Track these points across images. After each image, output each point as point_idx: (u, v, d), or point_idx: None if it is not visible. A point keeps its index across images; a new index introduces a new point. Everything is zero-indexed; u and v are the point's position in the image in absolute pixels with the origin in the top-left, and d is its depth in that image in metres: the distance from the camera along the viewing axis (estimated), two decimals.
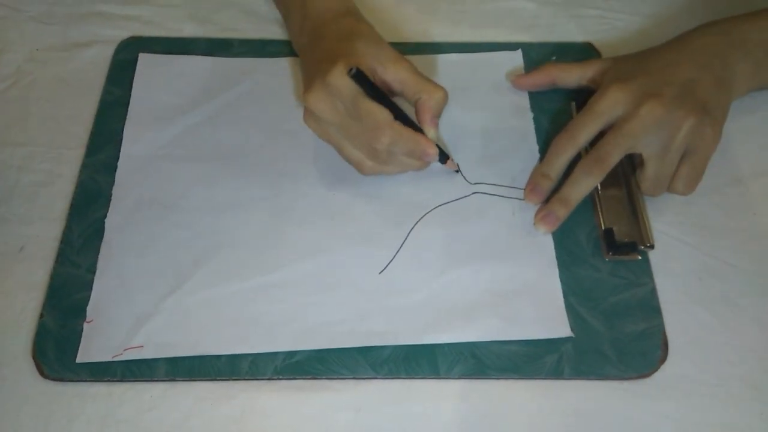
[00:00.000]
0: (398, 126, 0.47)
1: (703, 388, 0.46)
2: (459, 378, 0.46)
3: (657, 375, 0.46)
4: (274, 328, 0.47)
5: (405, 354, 0.46)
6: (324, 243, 0.50)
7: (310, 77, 0.49)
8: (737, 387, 0.46)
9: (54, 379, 0.45)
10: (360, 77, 0.46)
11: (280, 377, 0.46)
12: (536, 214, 0.51)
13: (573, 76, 0.57)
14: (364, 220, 0.51)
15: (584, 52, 0.61)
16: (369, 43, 0.50)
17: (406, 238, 0.51)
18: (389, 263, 0.49)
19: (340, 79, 0.46)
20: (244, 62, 0.60)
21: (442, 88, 0.49)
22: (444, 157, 0.52)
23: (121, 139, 0.55)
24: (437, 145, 0.49)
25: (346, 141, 0.49)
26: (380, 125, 0.47)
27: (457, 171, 0.53)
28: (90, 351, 0.46)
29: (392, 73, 0.49)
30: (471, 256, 0.50)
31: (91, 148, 0.55)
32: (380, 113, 0.47)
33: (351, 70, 0.46)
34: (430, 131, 0.49)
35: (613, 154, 0.49)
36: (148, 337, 0.46)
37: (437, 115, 0.50)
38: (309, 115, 0.49)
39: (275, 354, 0.46)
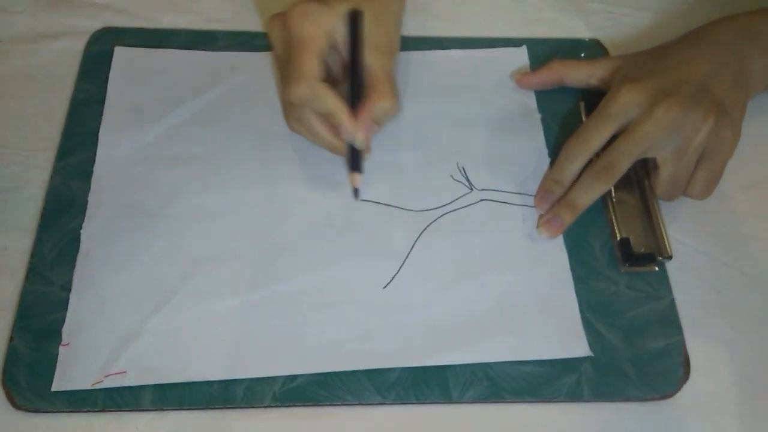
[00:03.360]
0: (320, 86, 0.45)
1: (727, 408, 0.44)
2: (473, 402, 0.43)
3: (680, 395, 0.44)
4: (271, 350, 0.43)
5: (414, 377, 0.43)
6: (323, 255, 0.47)
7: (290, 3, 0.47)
8: (763, 405, 0.44)
9: (27, 410, 0.41)
10: (353, 22, 0.45)
11: (279, 405, 0.42)
12: (540, 218, 0.49)
13: (581, 74, 0.54)
14: (366, 229, 0.48)
15: (592, 49, 0.58)
16: (368, 14, 0.47)
17: (411, 250, 0.47)
18: (394, 277, 0.46)
19: (296, 18, 0.45)
20: (231, 56, 0.55)
21: (395, 100, 0.47)
22: (356, 165, 0.48)
23: (97, 141, 0.51)
24: (357, 151, 0.47)
25: (282, 81, 0.48)
26: (299, 76, 0.44)
27: (355, 191, 0.48)
28: (67, 378, 0.42)
29: (368, 56, 0.46)
30: (480, 268, 0.47)
31: (63, 150, 0.50)
32: (308, 65, 0.44)
33: (353, 11, 0.45)
34: (358, 132, 0.46)
35: (624, 160, 0.47)
36: (131, 361, 0.42)
37: (376, 122, 0.47)
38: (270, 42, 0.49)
39: (273, 379, 0.42)
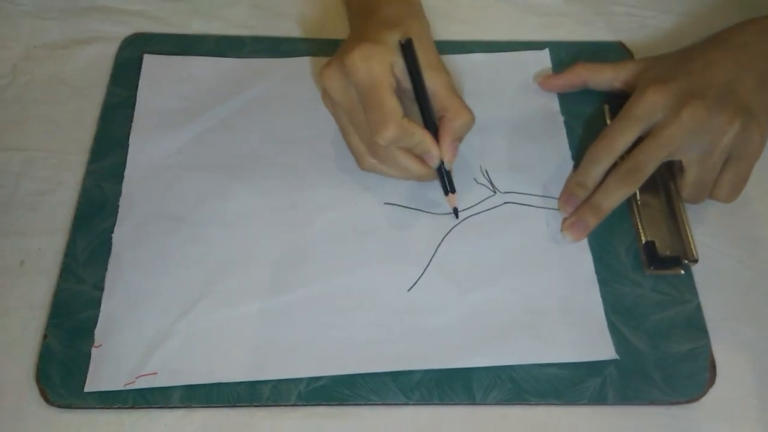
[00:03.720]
0: (406, 122, 0.44)
1: (753, 413, 0.43)
2: (496, 404, 0.43)
3: (705, 399, 0.43)
4: (296, 352, 0.44)
5: (437, 378, 0.43)
6: (347, 258, 0.47)
7: (339, 50, 0.47)
8: None
9: (60, 406, 0.42)
10: (408, 49, 0.45)
11: (305, 403, 0.42)
12: (564, 221, 0.49)
13: (605, 77, 0.54)
14: (389, 234, 0.48)
15: (615, 51, 0.58)
16: (414, 39, 0.46)
17: (435, 253, 0.47)
18: (418, 280, 0.46)
19: (358, 63, 0.44)
20: (258, 63, 0.56)
21: (470, 113, 0.47)
22: (450, 186, 0.48)
23: (128, 145, 0.52)
24: (447, 172, 0.47)
25: (352, 128, 0.47)
26: (386, 119, 0.43)
27: (455, 211, 0.49)
28: (100, 379, 0.42)
29: (427, 79, 0.46)
30: (504, 271, 0.47)
31: (96, 153, 0.51)
32: (390, 106, 0.44)
33: (403, 40, 0.45)
34: (446, 154, 0.46)
35: (650, 163, 0.46)
36: (162, 363, 0.43)
37: (458, 139, 0.47)
38: (323, 91, 0.48)
39: (298, 378, 0.43)
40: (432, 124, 0.47)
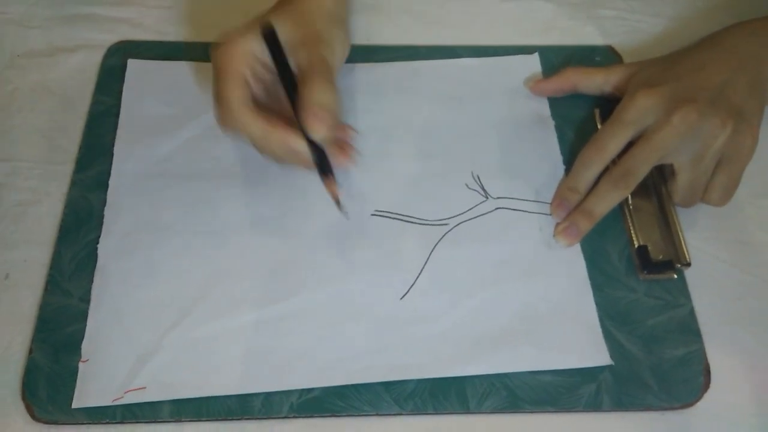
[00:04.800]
0: (247, 115, 0.44)
1: (748, 418, 0.43)
2: (491, 412, 0.42)
3: (700, 404, 0.43)
4: (287, 364, 0.43)
5: (432, 387, 0.43)
6: (338, 268, 0.46)
7: None
8: None
9: (47, 422, 0.41)
10: (271, 39, 0.45)
11: (297, 416, 0.42)
12: (557, 226, 0.48)
13: (596, 81, 0.54)
14: (381, 241, 0.48)
15: (605, 55, 0.58)
16: (292, 20, 0.46)
17: (427, 260, 0.47)
18: (410, 288, 0.46)
19: (215, 52, 0.45)
20: None
21: (323, 83, 0.43)
22: (326, 168, 0.44)
23: (113, 154, 0.51)
24: (318, 150, 0.44)
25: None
26: (223, 111, 0.45)
27: (338, 203, 0.46)
28: (87, 395, 0.42)
29: (296, 56, 0.45)
30: (497, 278, 0.46)
31: (81, 163, 0.51)
32: (231, 94, 0.44)
33: (266, 30, 0.45)
34: (305, 122, 0.42)
35: (642, 167, 0.46)
36: (150, 377, 0.42)
37: (324, 107, 0.43)
38: None
39: (290, 390, 0.42)
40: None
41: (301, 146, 0.44)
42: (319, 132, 0.43)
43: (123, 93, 0.54)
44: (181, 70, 0.55)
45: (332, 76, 0.45)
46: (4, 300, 0.45)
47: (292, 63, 0.46)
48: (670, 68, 0.50)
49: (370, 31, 0.58)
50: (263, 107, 0.45)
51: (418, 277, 0.46)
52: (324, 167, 0.45)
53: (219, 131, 0.51)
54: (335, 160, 0.45)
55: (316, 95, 0.43)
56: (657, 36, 0.59)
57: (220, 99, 0.44)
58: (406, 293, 0.46)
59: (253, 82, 0.46)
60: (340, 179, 0.46)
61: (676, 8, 0.61)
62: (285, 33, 0.46)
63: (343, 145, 0.47)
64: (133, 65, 0.55)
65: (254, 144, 0.46)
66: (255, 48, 0.45)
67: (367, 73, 0.55)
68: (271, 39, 0.45)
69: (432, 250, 0.47)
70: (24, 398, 0.42)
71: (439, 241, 0.48)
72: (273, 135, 0.44)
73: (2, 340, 0.44)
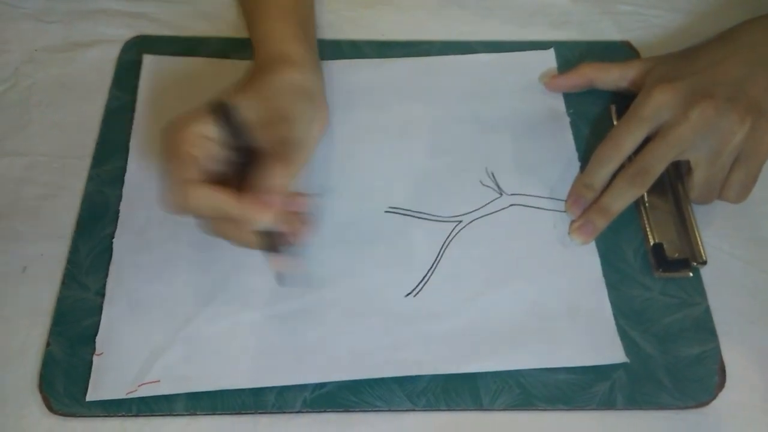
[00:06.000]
0: (194, 187, 0.40)
1: (764, 417, 0.43)
2: (504, 409, 0.42)
3: (715, 403, 0.43)
4: (301, 358, 0.43)
5: (444, 383, 0.43)
6: (351, 264, 0.46)
7: None
8: None
9: (63, 415, 0.42)
10: (224, 114, 0.42)
11: (310, 410, 0.42)
12: (572, 223, 0.48)
13: (612, 77, 0.54)
14: (394, 237, 0.48)
15: (622, 51, 0.57)
16: (246, 97, 0.44)
17: (440, 257, 0.47)
18: (423, 285, 0.46)
19: (162, 136, 0.42)
20: None
21: (285, 164, 0.42)
22: (272, 244, 0.42)
23: (129, 150, 0.51)
24: (272, 233, 0.42)
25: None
26: (176, 184, 0.40)
27: (278, 277, 0.44)
28: (101, 388, 0.42)
29: (253, 138, 0.43)
30: (511, 275, 0.46)
31: (98, 157, 0.51)
32: (179, 170, 0.41)
33: (220, 104, 0.42)
34: (249, 210, 0.40)
35: (658, 164, 0.46)
36: (164, 370, 0.42)
37: (278, 190, 0.41)
38: None
39: (304, 384, 0.43)
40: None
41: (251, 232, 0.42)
42: (262, 219, 0.41)
43: (139, 88, 0.54)
44: (197, 65, 0.55)
45: (290, 155, 0.43)
46: (22, 293, 0.46)
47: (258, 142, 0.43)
48: (687, 64, 0.49)
49: (384, 26, 0.58)
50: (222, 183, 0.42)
51: (432, 274, 0.46)
52: (272, 247, 0.43)
53: None
54: (283, 239, 0.43)
55: (263, 179, 0.41)
56: (674, 31, 0.59)
57: (167, 179, 0.41)
58: (420, 289, 0.46)
59: (208, 162, 0.42)
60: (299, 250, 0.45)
61: (693, 3, 0.60)
62: (249, 111, 0.43)
63: (294, 219, 0.45)
64: (149, 61, 0.56)
65: (204, 219, 0.43)
66: (206, 129, 0.42)
67: (381, 69, 0.55)
68: (224, 115, 0.42)
69: (446, 247, 0.47)
70: (41, 390, 0.42)
71: (453, 237, 0.48)
72: (233, 204, 0.41)
73: (20, 332, 0.44)
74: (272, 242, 0.42)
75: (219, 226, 0.43)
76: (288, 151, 0.43)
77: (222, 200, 0.40)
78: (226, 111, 0.42)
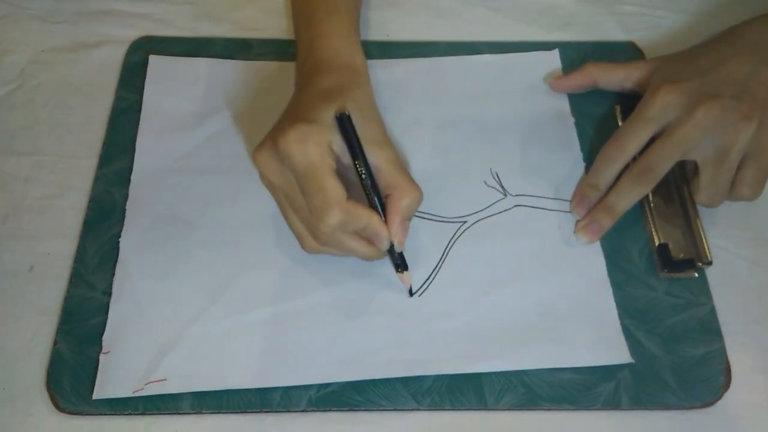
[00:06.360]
0: (351, 206, 0.41)
1: None
2: (508, 409, 0.42)
3: (721, 403, 0.43)
4: (307, 358, 0.43)
5: (449, 383, 0.43)
6: (356, 264, 0.46)
7: (273, 129, 0.43)
8: None
9: (70, 413, 0.42)
10: (345, 123, 0.42)
11: (315, 409, 0.42)
12: (577, 223, 0.48)
13: (616, 77, 0.54)
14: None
15: (626, 51, 0.57)
16: (355, 113, 0.43)
17: (444, 257, 0.47)
18: (429, 284, 0.46)
19: (293, 146, 0.40)
20: (266, 65, 0.56)
21: (417, 190, 0.43)
22: (402, 265, 0.45)
23: (135, 150, 0.51)
24: (400, 253, 0.44)
25: (292, 211, 0.44)
26: (329, 204, 0.40)
27: (409, 293, 0.45)
28: (108, 386, 0.42)
29: (369, 154, 0.43)
30: (516, 275, 0.46)
31: (105, 157, 0.51)
32: (331, 190, 0.40)
33: (340, 115, 0.42)
34: (395, 236, 0.43)
35: (663, 163, 0.46)
36: (171, 369, 0.43)
37: (407, 218, 0.44)
38: (260, 173, 0.44)
39: (309, 384, 0.43)
40: (377, 202, 0.43)
41: (385, 230, 0.43)
42: (402, 245, 0.44)
43: (144, 89, 0.54)
44: (203, 66, 0.56)
45: (412, 179, 0.44)
46: (29, 292, 0.46)
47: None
48: (692, 64, 0.49)
49: (389, 27, 0.59)
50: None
51: (437, 274, 0.46)
52: (400, 263, 0.45)
53: (240, 128, 0.52)
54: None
55: (405, 202, 0.43)
56: (679, 31, 0.59)
57: (321, 197, 0.40)
58: (425, 289, 0.46)
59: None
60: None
61: (697, 4, 0.60)
62: (356, 123, 0.43)
63: None
64: (155, 61, 0.56)
65: (348, 241, 0.43)
66: (333, 139, 0.42)
67: (386, 69, 0.56)
68: (345, 127, 0.42)
69: (450, 247, 0.47)
70: (48, 388, 0.43)
71: (458, 238, 0.48)
72: (371, 219, 0.42)
73: (27, 331, 0.45)
74: (402, 261, 0.45)
75: (349, 244, 0.43)
76: (407, 175, 0.44)
77: (372, 219, 0.42)
78: (347, 120, 0.42)
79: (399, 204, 0.43)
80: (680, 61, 0.50)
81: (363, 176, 0.42)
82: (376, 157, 0.43)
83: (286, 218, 0.45)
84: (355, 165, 0.42)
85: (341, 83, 0.46)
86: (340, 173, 0.42)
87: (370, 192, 0.43)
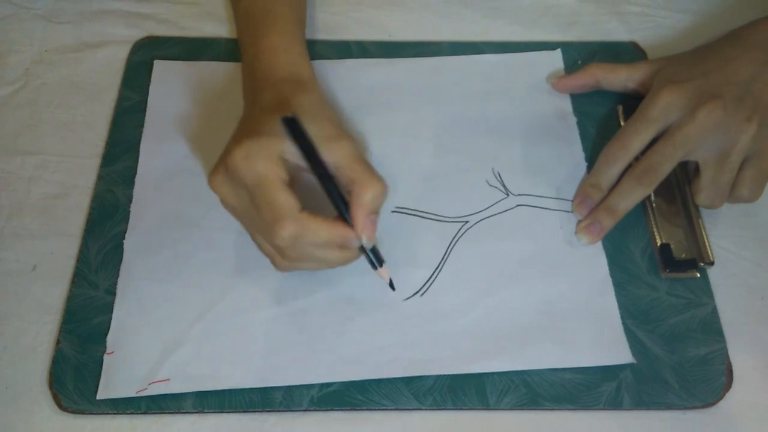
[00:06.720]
0: (305, 217, 0.39)
1: None
2: (510, 409, 0.42)
3: (722, 404, 0.43)
4: (309, 358, 0.43)
5: (451, 382, 0.43)
6: (358, 264, 0.46)
7: (223, 152, 0.42)
8: None
9: (73, 412, 0.42)
10: (292, 126, 0.39)
11: (317, 408, 0.42)
12: (579, 223, 0.48)
13: (619, 77, 0.54)
14: (401, 237, 0.48)
15: (629, 51, 0.57)
16: (304, 117, 0.41)
17: (446, 257, 0.47)
18: (430, 284, 0.46)
19: (240, 163, 0.39)
20: None
21: (380, 181, 0.41)
22: (378, 261, 0.43)
23: (139, 150, 0.51)
24: (373, 248, 0.42)
25: (257, 233, 0.43)
26: (281, 217, 0.39)
27: (390, 283, 0.44)
28: (111, 386, 0.42)
29: (325, 152, 0.40)
30: (518, 275, 0.46)
31: (108, 157, 0.51)
32: (283, 204, 0.39)
33: (285, 118, 0.40)
34: (363, 232, 0.41)
35: (665, 163, 0.46)
36: (175, 369, 0.43)
37: (374, 211, 0.41)
38: (219, 198, 0.43)
39: (311, 383, 0.43)
40: (340, 200, 0.41)
41: (356, 245, 0.42)
42: (372, 240, 0.42)
43: (149, 93, 0.54)
44: (207, 69, 0.56)
45: (374, 171, 0.42)
46: (32, 291, 0.46)
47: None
48: (695, 64, 0.49)
49: (391, 26, 0.59)
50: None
51: (438, 274, 0.46)
52: (376, 259, 0.43)
53: None
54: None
55: (368, 196, 0.40)
56: (682, 32, 0.59)
57: (272, 211, 0.39)
58: (427, 289, 0.46)
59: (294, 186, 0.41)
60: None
61: (701, 4, 0.60)
62: (305, 123, 0.41)
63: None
64: (160, 66, 0.56)
65: (316, 251, 0.41)
66: (283, 148, 0.40)
67: (388, 69, 0.56)
68: (293, 130, 0.40)
69: (452, 247, 0.48)
70: (51, 388, 0.43)
71: (459, 237, 0.48)
72: (333, 228, 0.40)
73: (30, 330, 0.45)
74: (377, 256, 0.43)
75: (318, 253, 0.41)
76: (369, 168, 0.42)
77: (333, 227, 0.40)
78: (294, 123, 0.40)
79: (362, 198, 0.40)
80: (683, 62, 0.50)
81: (321, 176, 0.40)
82: (332, 153, 0.41)
83: (254, 241, 0.43)
84: (312, 167, 0.40)
85: (285, 95, 0.45)
86: (301, 183, 0.41)
87: (332, 191, 0.41)
